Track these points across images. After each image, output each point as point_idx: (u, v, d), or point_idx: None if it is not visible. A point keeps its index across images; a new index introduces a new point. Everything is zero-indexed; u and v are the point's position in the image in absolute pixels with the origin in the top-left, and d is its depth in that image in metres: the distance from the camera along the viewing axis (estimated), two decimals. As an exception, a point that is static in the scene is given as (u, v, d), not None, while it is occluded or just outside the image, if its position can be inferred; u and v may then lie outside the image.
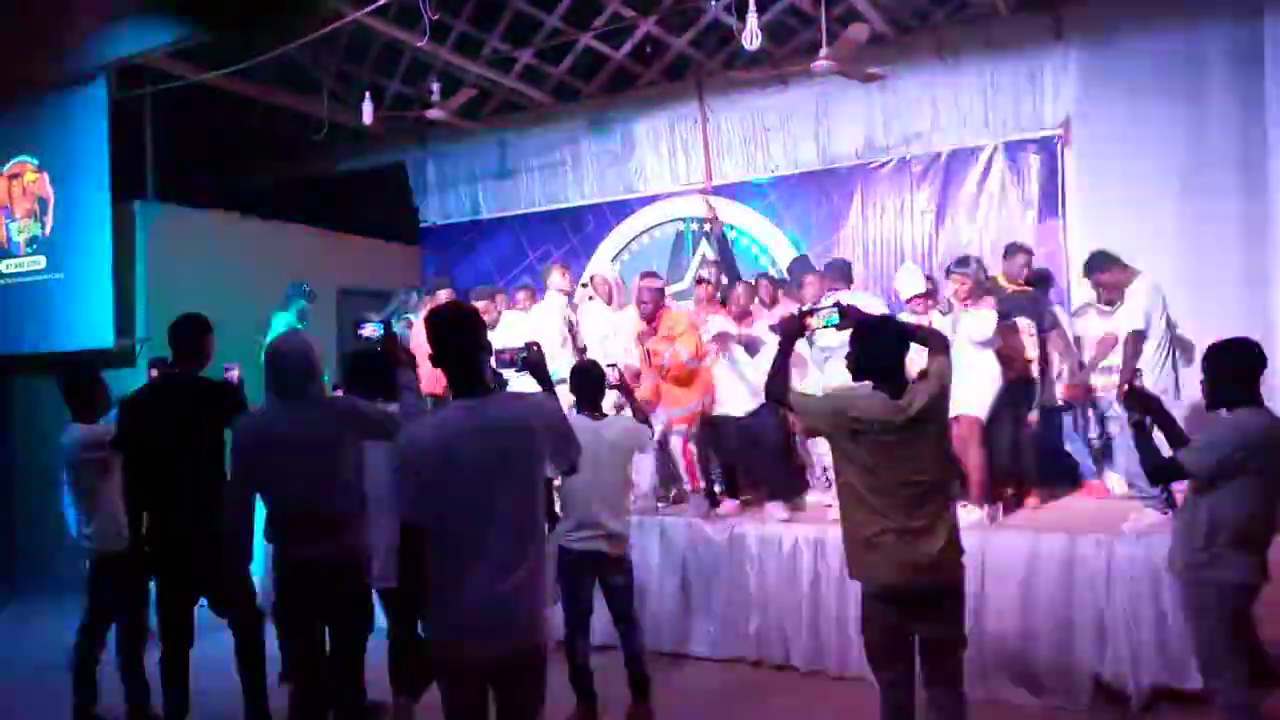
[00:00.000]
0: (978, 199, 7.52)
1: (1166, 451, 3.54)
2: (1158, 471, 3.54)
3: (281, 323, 7.01)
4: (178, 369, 4.11)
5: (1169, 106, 6.61)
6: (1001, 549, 4.91)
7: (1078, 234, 7.02)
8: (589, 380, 4.42)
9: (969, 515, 5.14)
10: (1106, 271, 5.24)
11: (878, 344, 3.34)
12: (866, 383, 3.32)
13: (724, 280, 7.29)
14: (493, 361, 3.13)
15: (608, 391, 4.49)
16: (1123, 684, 4.53)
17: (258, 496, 3.59)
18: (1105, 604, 4.62)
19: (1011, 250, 6.11)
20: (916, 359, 3.48)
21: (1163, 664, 4.47)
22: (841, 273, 6.05)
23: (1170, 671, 4.45)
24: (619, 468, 4.37)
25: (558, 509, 4.45)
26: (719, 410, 5.91)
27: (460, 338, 2.75)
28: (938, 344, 3.48)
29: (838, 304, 3.83)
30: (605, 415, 4.45)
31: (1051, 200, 7.24)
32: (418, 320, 7.10)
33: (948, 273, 5.59)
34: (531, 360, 3.28)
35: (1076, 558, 4.72)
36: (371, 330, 3.85)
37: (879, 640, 3.32)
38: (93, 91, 7.45)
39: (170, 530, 3.99)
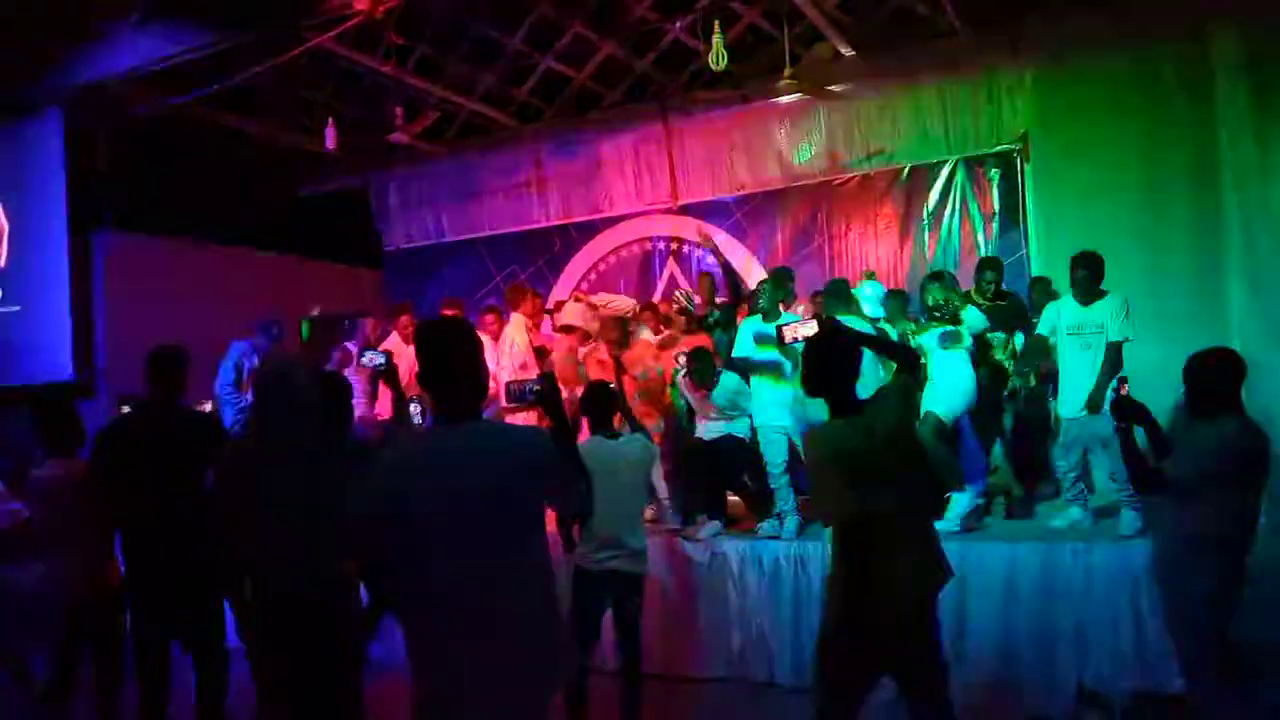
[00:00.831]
0: (940, 213, 7.65)
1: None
2: (1142, 480, 3.58)
3: (236, 351, 6.99)
4: (154, 401, 4.02)
5: (1123, 119, 6.76)
6: (980, 558, 4.96)
7: (1038, 245, 7.16)
8: (601, 400, 4.40)
9: (944, 525, 5.19)
10: (1089, 270, 5.30)
11: (827, 357, 3.24)
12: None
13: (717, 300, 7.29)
14: (503, 393, 3.01)
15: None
16: (1105, 689, 4.59)
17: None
18: (1084, 610, 4.68)
19: (981, 266, 6.22)
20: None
21: (1143, 668, 4.53)
22: (841, 293, 5.97)
23: (1150, 675, 4.51)
24: (638, 486, 4.38)
25: (574, 532, 4.40)
26: (703, 434, 5.89)
27: (455, 354, 2.52)
28: (905, 360, 3.47)
29: (817, 315, 3.78)
30: (621, 434, 4.42)
31: (1012, 213, 7.40)
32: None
33: (922, 286, 5.68)
34: (544, 394, 3.03)
35: (1055, 565, 4.78)
36: (370, 358, 3.78)
37: (848, 670, 3.15)
38: (47, 120, 7.32)
39: (151, 566, 3.89)
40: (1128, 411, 3.59)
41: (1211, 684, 3.47)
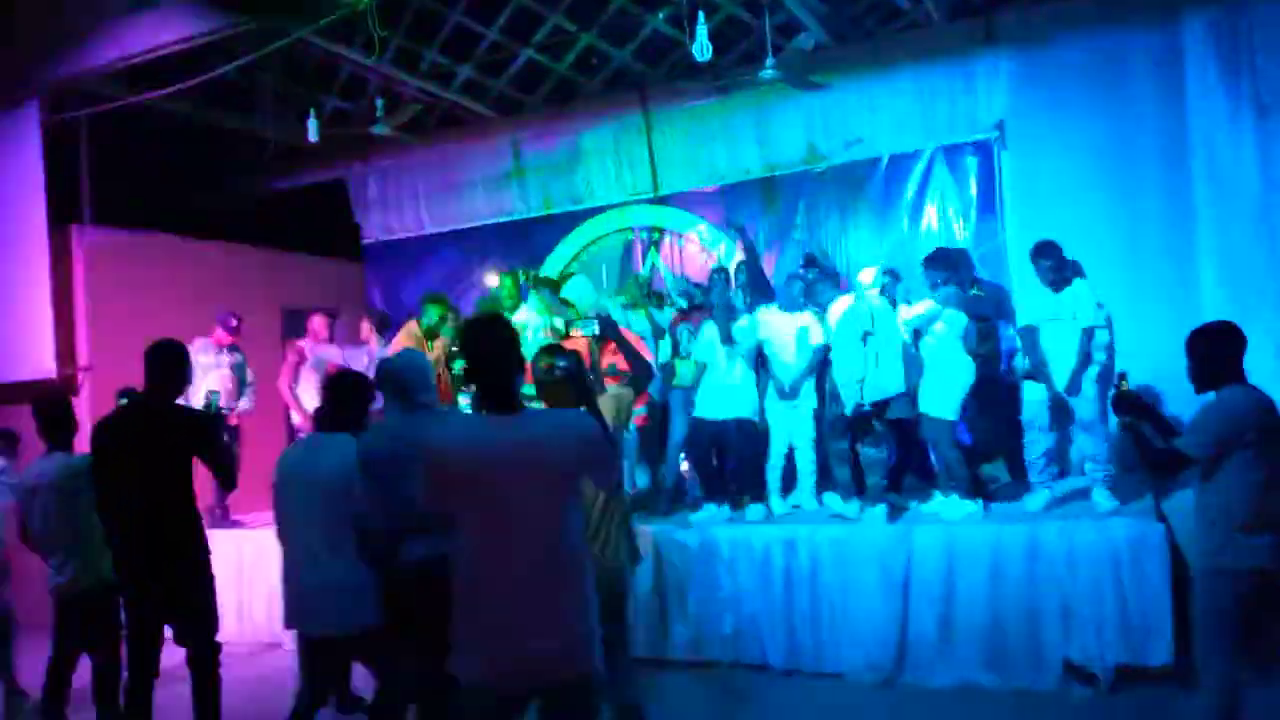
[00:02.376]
0: (919, 201, 7.73)
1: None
2: (1159, 463, 3.55)
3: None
4: (149, 396, 4.01)
5: (1096, 106, 6.88)
6: (967, 539, 5.08)
7: (1016, 231, 7.27)
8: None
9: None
10: (1051, 259, 5.46)
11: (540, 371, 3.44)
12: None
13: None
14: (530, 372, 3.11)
15: None
16: (1090, 664, 4.72)
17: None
18: (1069, 588, 4.81)
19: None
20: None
21: (1127, 642, 4.67)
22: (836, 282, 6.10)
23: (1134, 650, 4.65)
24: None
25: None
26: (696, 413, 5.97)
27: (498, 349, 2.69)
28: (638, 372, 3.75)
29: (599, 315, 3.99)
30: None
31: (990, 199, 7.49)
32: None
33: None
34: (571, 371, 3.16)
35: (1040, 544, 4.91)
36: None
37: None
38: (25, 114, 7.21)
39: (144, 559, 3.90)
40: (1129, 405, 3.64)
41: (1221, 666, 3.37)
